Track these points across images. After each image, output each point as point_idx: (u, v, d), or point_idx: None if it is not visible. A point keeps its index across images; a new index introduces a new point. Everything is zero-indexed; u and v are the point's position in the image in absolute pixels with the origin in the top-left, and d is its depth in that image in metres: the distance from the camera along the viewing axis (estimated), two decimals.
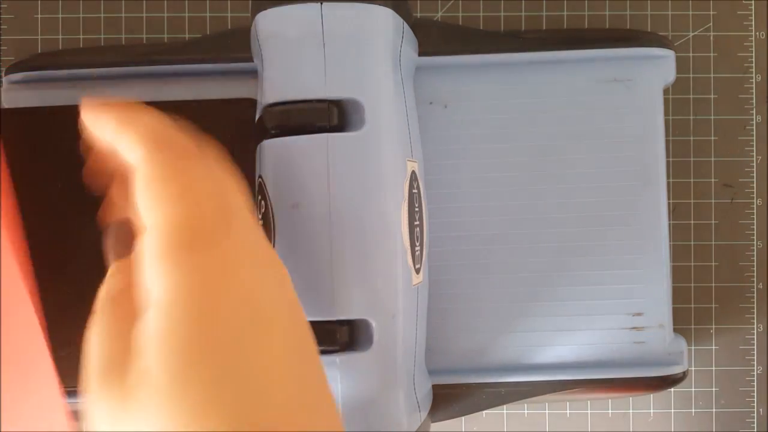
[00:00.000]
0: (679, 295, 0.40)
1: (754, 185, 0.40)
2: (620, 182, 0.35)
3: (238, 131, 0.33)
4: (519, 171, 0.35)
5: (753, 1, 0.40)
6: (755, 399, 0.40)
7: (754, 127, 0.40)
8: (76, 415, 0.30)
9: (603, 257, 0.35)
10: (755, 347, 0.40)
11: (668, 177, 0.38)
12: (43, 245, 0.33)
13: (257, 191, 0.30)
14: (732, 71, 0.40)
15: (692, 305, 0.40)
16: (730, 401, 0.40)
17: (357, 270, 0.28)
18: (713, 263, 0.40)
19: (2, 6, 0.39)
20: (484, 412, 0.40)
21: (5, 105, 0.34)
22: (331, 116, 0.28)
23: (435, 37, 0.34)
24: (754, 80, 0.40)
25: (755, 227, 0.40)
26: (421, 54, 0.34)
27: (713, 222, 0.40)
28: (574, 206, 0.35)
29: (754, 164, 0.40)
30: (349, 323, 0.28)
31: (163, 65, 0.34)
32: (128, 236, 0.22)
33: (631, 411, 0.40)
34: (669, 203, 0.36)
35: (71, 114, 0.25)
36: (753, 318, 0.40)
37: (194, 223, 0.17)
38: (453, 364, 0.35)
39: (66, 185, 0.33)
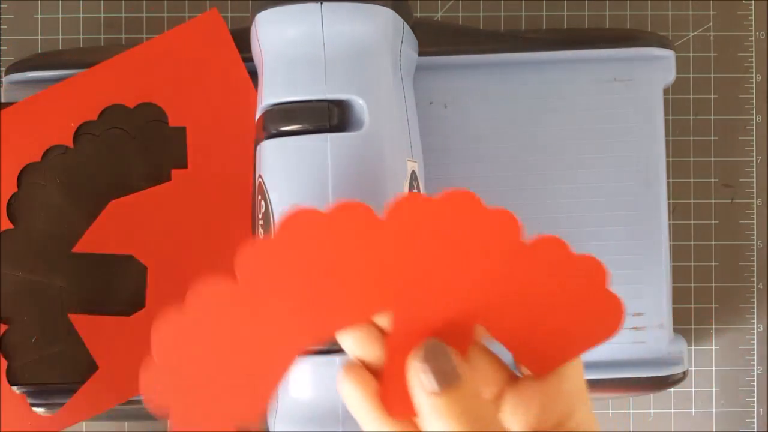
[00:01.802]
0: (679, 295, 0.40)
1: (754, 185, 0.40)
2: (620, 182, 0.35)
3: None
4: (518, 171, 0.35)
5: (753, 1, 0.40)
6: (755, 399, 0.40)
7: (754, 127, 0.40)
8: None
9: (603, 257, 0.35)
10: (755, 347, 0.40)
11: (668, 177, 0.38)
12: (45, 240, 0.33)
13: (257, 191, 0.30)
14: (732, 71, 0.40)
15: (692, 305, 0.40)
16: (730, 401, 0.40)
17: None
18: (713, 263, 0.40)
19: (2, 6, 0.39)
20: None
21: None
22: (331, 116, 0.28)
23: (435, 37, 0.34)
24: (754, 80, 0.40)
25: (755, 227, 0.40)
26: (421, 54, 0.34)
27: (713, 222, 0.40)
28: (574, 206, 0.35)
29: (754, 164, 0.40)
30: None
31: None
32: None
33: (631, 411, 0.40)
34: (669, 203, 0.36)
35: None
36: (753, 318, 0.40)
37: None
38: None
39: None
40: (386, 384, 0.23)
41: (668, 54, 0.35)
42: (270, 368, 0.23)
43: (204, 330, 0.23)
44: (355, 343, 0.25)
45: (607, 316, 0.23)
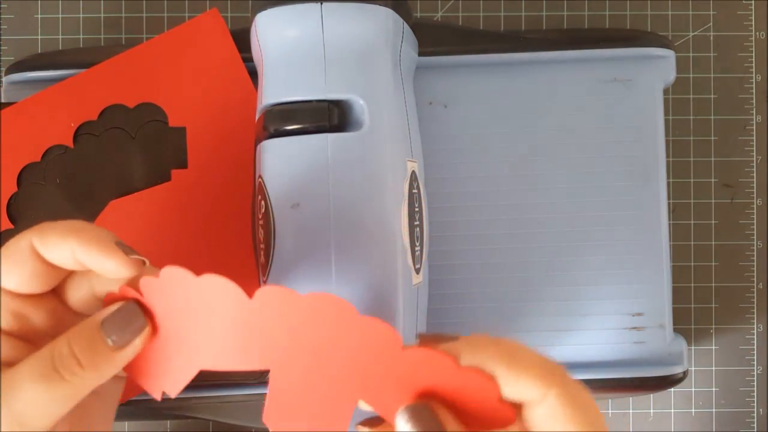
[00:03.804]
0: (679, 295, 0.40)
1: (754, 185, 0.40)
2: (620, 182, 0.35)
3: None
4: (519, 171, 0.35)
5: (753, 1, 0.40)
6: (755, 399, 0.40)
7: (754, 127, 0.40)
8: None
9: (603, 257, 0.35)
10: (755, 347, 0.40)
11: (668, 177, 0.38)
12: None
13: (257, 191, 0.30)
14: (732, 71, 0.40)
15: (692, 305, 0.40)
16: (730, 401, 0.40)
17: (357, 270, 0.28)
18: (713, 263, 0.40)
19: (2, 6, 0.39)
20: None
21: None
22: (331, 116, 0.28)
23: (435, 37, 0.34)
24: (754, 80, 0.40)
25: (755, 227, 0.40)
26: (421, 54, 0.34)
27: (713, 222, 0.40)
28: (574, 206, 0.35)
29: (754, 164, 0.40)
30: None
31: None
32: None
33: (631, 411, 0.40)
34: (669, 203, 0.36)
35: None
36: (753, 318, 0.40)
37: None
38: None
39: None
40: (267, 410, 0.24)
41: (668, 54, 0.35)
42: (177, 372, 0.24)
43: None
44: None
45: (494, 417, 0.23)
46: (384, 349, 0.23)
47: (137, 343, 0.24)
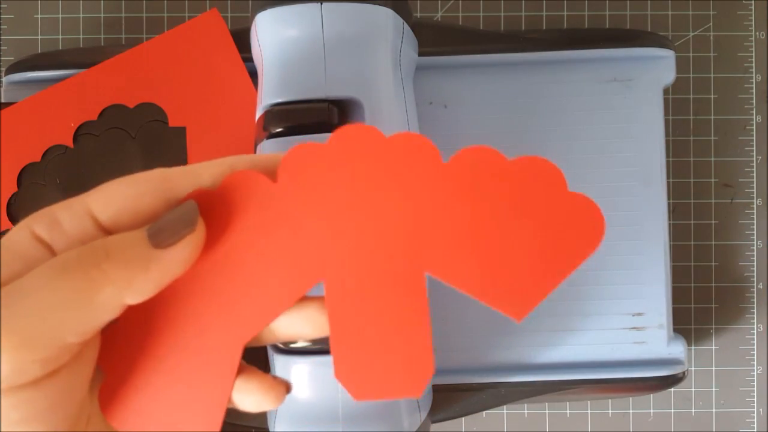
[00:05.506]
0: (679, 295, 0.40)
1: (754, 185, 0.40)
2: (620, 182, 0.35)
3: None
4: None
5: (753, 1, 0.40)
6: (755, 399, 0.40)
7: (754, 127, 0.40)
8: None
9: (603, 257, 0.35)
10: (755, 347, 0.40)
11: (668, 177, 0.38)
12: None
13: None
14: (732, 71, 0.40)
15: (692, 305, 0.40)
16: (730, 401, 0.40)
17: None
18: (713, 263, 0.40)
19: (2, 6, 0.39)
20: (484, 412, 0.40)
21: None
22: (331, 116, 0.28)
23: (435, 37, 0.34)
24: (754, 80, 0.40)
25: (755, 227, 0.40)
26: (421, 54, 0.34)
27: (713, 222, 0.40)
28: None
29: (754, 164, 0.40)
30: None
31: None
32: None
33: (631, 411, 0.40)
34: (669, 203, 0.36)
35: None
36: (753, 318, 0.40)
37: None
38: (453, 364, 0.35)
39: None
40: (336, 357, 0.20)
41: (668, 54, 0.35)
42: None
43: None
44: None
45: (581, 224, 0.19)
46: (420, 164, 0.19)
47: (186, 249, 0.19)
